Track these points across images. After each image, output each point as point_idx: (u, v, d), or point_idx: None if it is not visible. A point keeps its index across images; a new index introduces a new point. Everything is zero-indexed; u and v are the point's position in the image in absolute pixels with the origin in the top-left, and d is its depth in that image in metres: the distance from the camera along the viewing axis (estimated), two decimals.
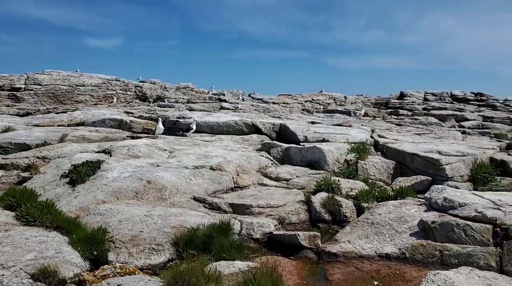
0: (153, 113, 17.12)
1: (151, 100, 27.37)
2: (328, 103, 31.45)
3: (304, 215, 6.91)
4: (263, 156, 10.45)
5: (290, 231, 6.28)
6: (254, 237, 5.90)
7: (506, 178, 8.98)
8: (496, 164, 9.51)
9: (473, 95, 32.87)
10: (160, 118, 13.61)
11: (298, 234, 5.70)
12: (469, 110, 26.61)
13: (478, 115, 24.36)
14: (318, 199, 7.15)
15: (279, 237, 5.90)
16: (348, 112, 24.38)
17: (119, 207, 6.42)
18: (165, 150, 10.61)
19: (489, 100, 30.39)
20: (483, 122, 21.56)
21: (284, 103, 29.19)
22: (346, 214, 6.91)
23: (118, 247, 5.24)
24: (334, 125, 15.47)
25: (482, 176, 8.80)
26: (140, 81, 30.25)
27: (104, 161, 8.66)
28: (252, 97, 31.77)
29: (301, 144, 11.65)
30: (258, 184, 8.56)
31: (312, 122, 15.98)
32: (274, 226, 6.23)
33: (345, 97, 33.95)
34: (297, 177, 9.22)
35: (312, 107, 29.73)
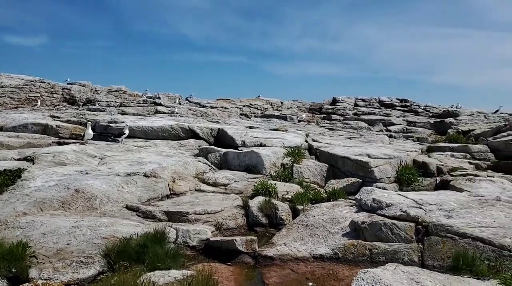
0: (82, 118, 16.15)
1: (81, 103, 25.84)
2: (266, 108, 31.94)
3: (241, 220, 6.91)
4: (200, 161, 10.32)
5: (227, 236, 6.24)
6: (191, 244, 5.77)
7: (426, 178, 9.73)
8: (418, 166, 10.26)
9: (399, 101, 35.26)
10: (89, 123, 12.88)
11: (235, 239, 5.68)
12: (395, 115, 28.50)
13: (403, 120, 26.14)
14: (255, 203, 7.19)
15: (216, 243, 5.83)
16: (284, 117, 24.94)
17: (43, 219, 5.94)
18: (95, 156, 10.06)
19: (412, 106, 32.80)
20: (407, 127, 23.17)
21: (222, 107, 29.14)
22: (283, 217, 7.03)
23: (41, 262, 4.83)
24: (271, 130, 15.73)
25: (407, 177, 9.46)
26: (68, 83, 28.44)
27: (26, 169, 8.00)
28: (190, 101, 31.31)
29: (239, 148, 11.68)
30: (195, 190, 8.42)
31: (250, 127, 16.11)
32: (211, 233, 6.15)
33: (282, 103, 34.72)
34: (235, 181, 9.22)
35: (250, 112, 30.02)
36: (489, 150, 12.26)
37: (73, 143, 11.94)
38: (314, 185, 9.58)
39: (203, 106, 28.79)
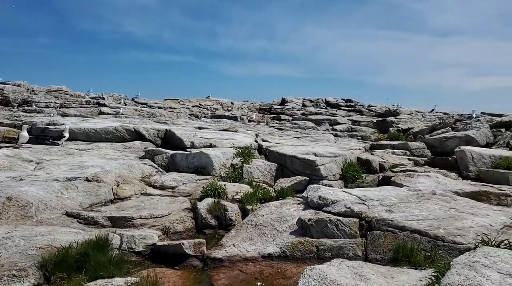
0: (16, 120, 15.11)
1: (15, 104, 24.13)
2: (216, 109, 31.77)
3: (190, 223, 6.78)
4: (146, 164, 10.00)
5: (175, 240, 6.08)
6: (137, 250, 5.56)
7: (370, 175, 10.15)
8: (362, 163, 10.67)
9: (344, 101, 36.55)
10: (25, 125, 12.02)
11: (182, 243, 5.55)
12: (340, 115, 29.51)
13: (348, 119, 27.13)
14: (204, 205, 7.09)
15: (163, 248, 5.67)
16: (235, 118, 24.95)
17: None
18: (31, 161, 9.42)
19: (357, 106, 34.14)
20: (352, 126, 24.07)
21: (170, 108, 28.55)
22: (232, 218, 6.99)
23: None
24: (221, 130, 15.65)
25: (351, 174, 9.80)
26: (1, 83, 26.49)
27: None
28: (136, 102, 30.37)
29: (188, 149, 11.48)
30: (141, 194, 8.15)
31: (200, 128, 15.91)
32: (158, 237, 5.96)
33: (232, 103, 34.72)
34: (183, 184, 9.04)
35: (199, 112, 29.69)
36: (426, 147, 13.04)
37: (6, 147, 11.08)
38: (264, 185, 9.63)
39: (150, 107, 28.05)
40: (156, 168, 10.05)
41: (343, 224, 5.60)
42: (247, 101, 37.57)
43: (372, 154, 11.99)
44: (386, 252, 5.09)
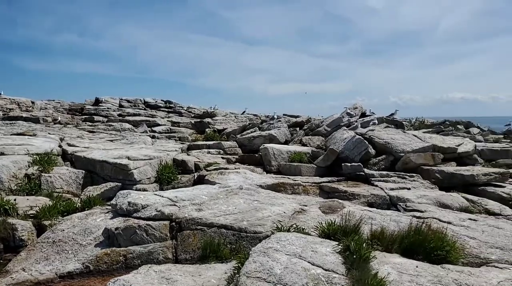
0: None
1: None
2: (10, 109, 26.95)
3: None
4: None
5: None
6: None
7: (185, 175, 10.25)
8: (178, 164, 10.70)
9: (163, 102, 36.24)
10: None
11: None
12: (160, 116, 29.11)
13: (168, 121, 26.96)
14: None
15: None
16: (36, 120, 21.67)
17: None
18: None
19: (176, 107, 34.31)
20: (171, 127, 24.02)
21: None
22: (24, 238, 5.98)
23: None
24: (15, 134, 13.33)
25: (166, 176, 9.71)
26: None
27: None
28: None
29: None
30: None
31: None
32: None
33: (33, 103, 30.08)
34: None
35: None
36: (237, 145, 14.01)
37: None
38: (68, 195, 8.63)
39: None
40: None
41: (153, 228, 5.44)
42: (54, 100, 33.28)
43: (188, 154, 12.18)
44: (195, 251, 5.17)
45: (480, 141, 15.34)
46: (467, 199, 7.72)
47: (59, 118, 22.67)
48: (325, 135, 13.61)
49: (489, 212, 7.19)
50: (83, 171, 9.74)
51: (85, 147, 12.11)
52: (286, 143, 14.03)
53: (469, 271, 4.04)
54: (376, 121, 14.50)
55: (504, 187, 8.67)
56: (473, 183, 8.78)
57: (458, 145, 11.15)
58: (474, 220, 6.15)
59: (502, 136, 18.89)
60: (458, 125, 22.27)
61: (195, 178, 10.02)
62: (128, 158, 9.97)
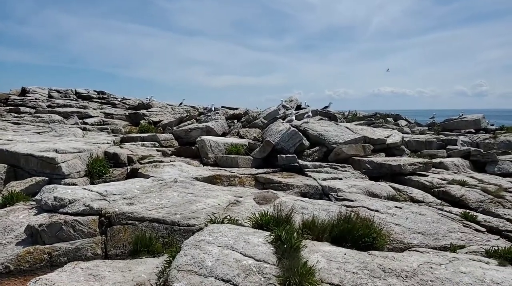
0: None
1: None
2: None
3: None
4: None
5: None
6: None
7: (118, 168, 9.91)
8: (110, 157, 10.30)
9: (96, 93, 34.47)
10: None
11: None
12: (92, 107, 27.69)
13: (101, 112, 25.74)
14: None
15: None
16: None
17: None
18: None
19: (110, 98, 32.81)
20: (104, 119, 22.97)
21: None
22: None
23: None
24: None
25: (97, 170, 9.32)
26: None
27: None
28: None
29: None
30: None
31: None
32: None
33: None
34: None
35: None
36: (174, 138, 13.80)
37: None
38: None
39: None
40: None
41: (80, 224, 5.22)
42: None
43: (121, 147, 11.77)
44: (126, 246, 5.05)
45: (408, 133, 16.55)
46: (394, 188, 8.31)
47: None
48: (262, 128, 13.86)
49: (413, 200, 7.81)
50: (6, 165, 9.09)
51: (8, 140, 11.25)
52: (224, 135, 14.08)
53: (393, 256, 4.25)
54: (311, 114, 15.02)
55: (427, 176, 9.45)
56: (400, 173, 9.47)
57: (387, 137, 11.93)
58: (400, 207, 6.62)
59: (427, 128, 20.51)
60: (388, 118, 23.80)
61: (128, 171, 9.74)
62: (56, 151, 9.43)
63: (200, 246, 4.07)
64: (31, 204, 6.54)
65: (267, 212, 5.24)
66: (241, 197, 6.78)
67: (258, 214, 5.23)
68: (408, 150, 12.54)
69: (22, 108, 25.86)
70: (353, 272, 3.76)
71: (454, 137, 14.78)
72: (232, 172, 9.12)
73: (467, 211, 6.80)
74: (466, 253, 4.76)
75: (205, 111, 19.10)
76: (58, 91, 33.74)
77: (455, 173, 10.51)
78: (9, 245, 5.14)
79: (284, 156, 9.98)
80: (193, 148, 12.15)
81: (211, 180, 8.50)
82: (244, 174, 9.01)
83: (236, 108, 20.59)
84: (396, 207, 6.62)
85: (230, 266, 3.74)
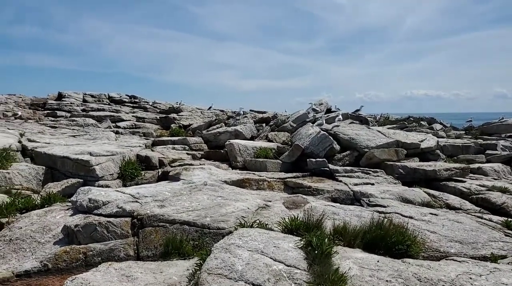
0: None
1: None
2: None
3: None
4: None
5: None
6: None
7: (149, 171, 10.11)
8: (142, 160, 10.54)
9: (128, 97, 35.40)
10: None
11: None
12: (124, 111, 28.45)
13: (133, 116, 26.41)
14: None
15: None
16: None
17: None
18: None
19: (141, 102, 33.62)
20: (136, 123, 23.55)
21: None
22: None
23: None
24: None
25: (130, 172, 9.55)
26: None
27: None
28: None
29: None
30: None
31: None
32: None
33: None
34: None
35: None
36: (203, 141, 13.96)
37: None
38: (28, 192, 8.31)
39: None
40: None
41: (114, 225, 5.34)
42: (15, 95, 31.80)
43: (152, 150, 12.00)
44: (157, 248, 5.12)
45: (443, 137, 16.02)
46: (428, 194, 8.01)
47: (20, 113, 21.78)
48: (291, 131, 13.79)
49: (449, 207, 7.50)
50: (44, 167, 9.44)
51: (46, 143, 11.72)
52: (252, 138, 14.10)
53: (428, 264, 4.10)
54: (341, 117, 14.80)
55: (464, 182, 9.05)
56: (435, 178, 9.13)
57: (421, 141, 11.59)
58: (435, 214, 6.37)
59: (463, 132, 19.75)
60: (421, 122, 23.14)
61: (159, 174, 9.91)
62: (90, 154, 9.73)
63: (230, 249, 4.07)
64: (67, 205, 6.76)
65: (297, 216, 5.19)
66: (270, 201, 6.75)
67: (288, 218, 5.19)
68: (444, 154, 12.12)
69: (59, 112, 26.91)
70: (387, 281, 3.64)
71: (494, 141, 14.16)
72: (261, 176, 9.09)
73: (509, 219, 6.47)
74: (508, 263, 4.52)
75: (234, 115, 19.22)
76: (92, 96, 34.87)
77: (495, 179, 10.04)
78: (47, 244, 5.32)
79: (314, 160, 9.87)
80: (222, 151, 12.23)
81: (240, 183, 8.50)
82: (273, 178, 8.96)
83: (265, 112, 20.60)
84: (431, 213, 6.39)
85: (260, 271, 3.71)
